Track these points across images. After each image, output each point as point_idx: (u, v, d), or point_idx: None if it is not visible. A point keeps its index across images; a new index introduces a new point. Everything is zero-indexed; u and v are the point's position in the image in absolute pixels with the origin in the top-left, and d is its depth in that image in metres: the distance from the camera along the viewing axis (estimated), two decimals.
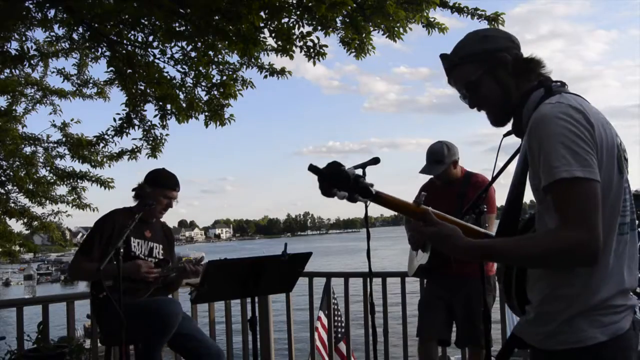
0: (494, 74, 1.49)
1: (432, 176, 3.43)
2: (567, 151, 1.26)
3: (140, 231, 3.19)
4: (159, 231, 3.36)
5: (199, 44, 4.23)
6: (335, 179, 1.45)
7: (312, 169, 1.47)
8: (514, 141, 1.66)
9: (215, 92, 4.90)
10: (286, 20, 3.92)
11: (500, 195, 3.27)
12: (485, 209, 2.46)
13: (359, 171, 1.55)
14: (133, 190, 3.27)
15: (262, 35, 4.13)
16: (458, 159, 3.39)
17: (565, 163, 1.25)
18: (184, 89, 4.98)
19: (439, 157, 3.32)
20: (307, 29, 4.00)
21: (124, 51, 4.66)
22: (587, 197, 1.24)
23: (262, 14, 3.73)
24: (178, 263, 3.31)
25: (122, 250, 2.62)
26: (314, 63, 4.13)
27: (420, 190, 3.56)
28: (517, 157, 1.58)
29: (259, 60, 4.95)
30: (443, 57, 1.57)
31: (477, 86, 1.51)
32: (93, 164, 6.24)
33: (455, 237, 1.39)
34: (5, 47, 4.70)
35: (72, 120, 6.54)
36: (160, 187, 3.22)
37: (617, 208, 1.36)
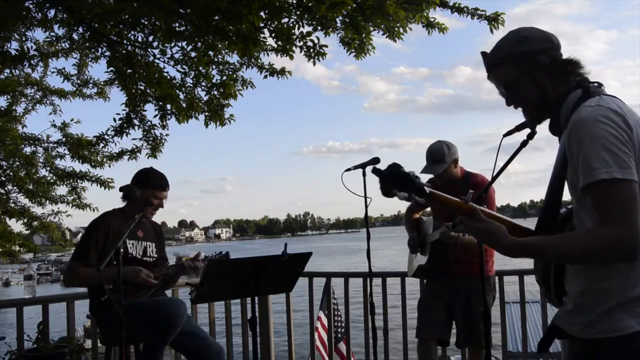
0: (531, 75, 1.54)
1: (432, 176, 3.43)
2: (607, 153, 1.31)
3: (133, 232, 3.13)
4: (150, 229, 3.33)
5: (199, 44, 4.23)
6: (397, 180, 1.49)
7: (375, 171, 1.52)
8: (514, 141, 1.70)
9: (215, 92, 4.91)
10: (286, 20, 3.93)
11: (500, 195, 3.30)
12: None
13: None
14: (121, 190, 3.21)
15: (262, 35, 4.13)
16: (458, 158, 3.40)
17: (605, 165, 1.31)
18: (184, 89, 4.98)
19: (439, 156, 3.32)
20: (307, 29, 4.01)
21: (124, 51, 4.66)
22: (625, 197, 1.30)
23: (262, 14, 3.73)
24: (178, 262, 3.31)
25: (122, 250, 2.61)
26: (314, 63, 4.14)
27: None
28: (515, 157, 1.65)
29: (259, 60, 4.95)
30: (484, 55, 1.63)
31: (515, 86, 1.57)
32: (93, 164, 6.24)
33: (500, 235, 1.46)
34: (5, 47, 4.69)
35: (72, 120, 6.54)
36: (150, 188, 3.17)
37: None
